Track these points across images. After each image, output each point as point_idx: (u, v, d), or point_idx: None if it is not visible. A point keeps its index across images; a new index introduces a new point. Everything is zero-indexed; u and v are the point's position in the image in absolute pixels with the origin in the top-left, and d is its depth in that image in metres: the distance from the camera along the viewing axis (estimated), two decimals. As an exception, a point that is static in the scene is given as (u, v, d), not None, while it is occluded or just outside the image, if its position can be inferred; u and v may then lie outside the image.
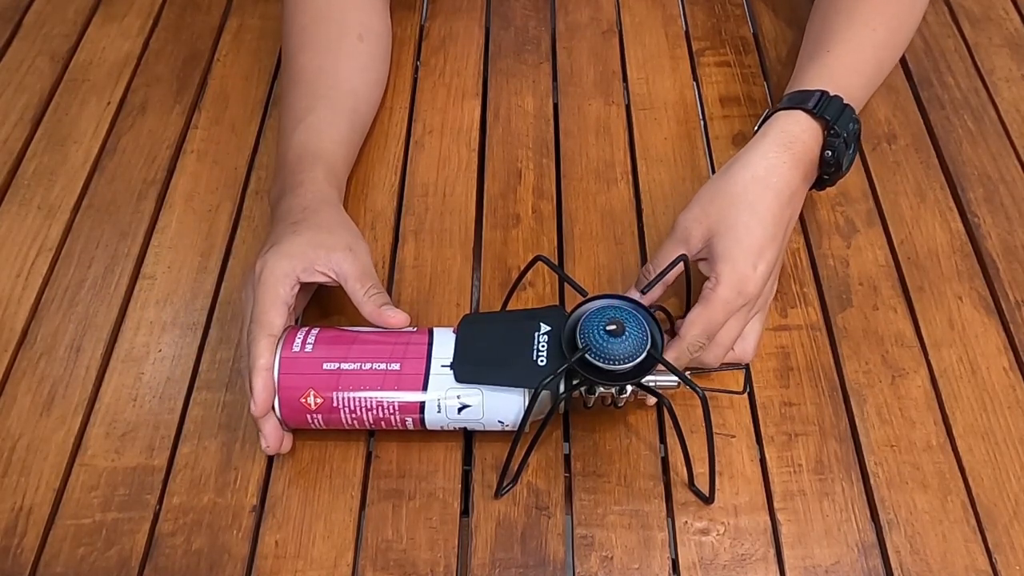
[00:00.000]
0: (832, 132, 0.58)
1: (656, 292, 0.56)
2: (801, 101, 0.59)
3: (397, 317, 0.54)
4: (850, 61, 0.63)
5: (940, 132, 0.72)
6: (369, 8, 0.70)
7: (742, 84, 0.76)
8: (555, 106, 0.75)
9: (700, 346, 0.53)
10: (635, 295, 0.56)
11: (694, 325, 0.53)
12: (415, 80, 0.77)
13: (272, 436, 0.53)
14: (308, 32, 0.68)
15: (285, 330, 0.53)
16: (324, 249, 0.55)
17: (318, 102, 0.64)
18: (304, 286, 0.56)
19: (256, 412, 0.51)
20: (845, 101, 0.59)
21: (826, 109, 0.58)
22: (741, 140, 0.72)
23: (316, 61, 0.66)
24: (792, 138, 0.57)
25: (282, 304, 0.53)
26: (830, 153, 0.58)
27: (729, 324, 0.54)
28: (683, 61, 0.78)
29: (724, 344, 0.54)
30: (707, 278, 0.54)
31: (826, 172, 0.59)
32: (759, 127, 0.60)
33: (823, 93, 0.59)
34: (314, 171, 0.60)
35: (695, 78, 0.77)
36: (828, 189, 0.63)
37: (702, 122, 0.74)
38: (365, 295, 0.54)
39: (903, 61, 0.77)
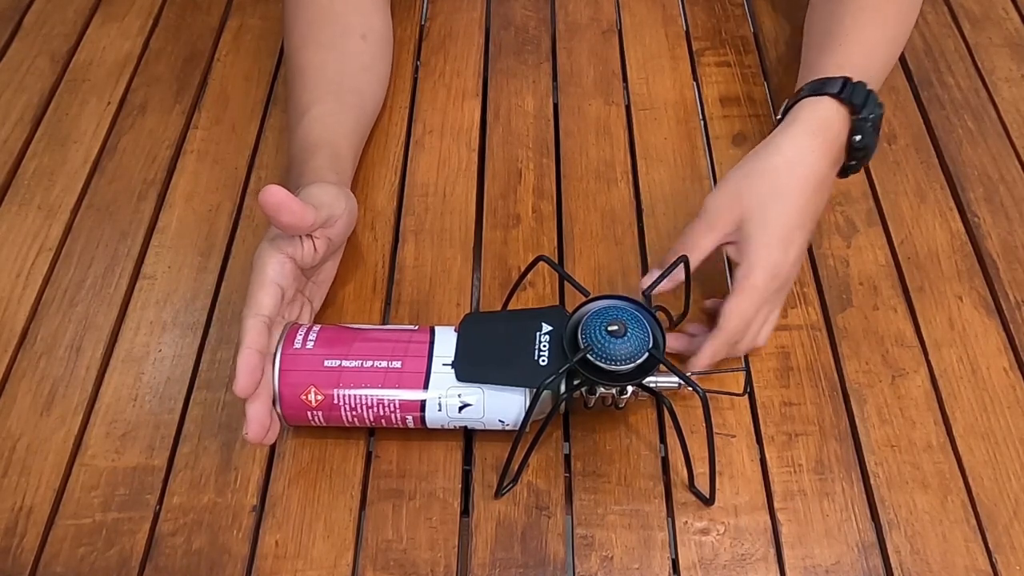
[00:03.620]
0: (860, 117, 0.58)
1: (667, 286, 0.56)
2: (825, 88, 0.59)
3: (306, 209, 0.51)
4: (863, 52, 0.63)
5: (940, 132, 0.72)
6: (370, 8, 0.70)
7: (742, 84, 0.76)
8: (555, 106, 0.75)
9: (739, 336, 0.53)
10: (654, 277, 0.55)
11: (733, 315, 0.52)
12: (415, 80, 0.77)
13: (254, 422, 0.50)
14: (311, 29, 0.68)
15: (287, 326, 0.53)
16: None
17: (322, 96, 0.64)
18: (313, 271, 0.55)
19: (236, 390, 0.49)
20: (868, 87, 0.59)
21: (852, 94, 0.58)
22: (741, 140, 0.72)
23: (319, 57, 0.66)
24: (821, 124, 0.57)
25: (270, 284, 0.52)
26: (859, 138, 0.58)
27: (762, 310, 0.54)
28: (683, 61, 0.78)
29: (754, 331, 0.54)
30: (723, 264, 0.54)
31: (854, 157, 0.59)
32: (782, 116, 0.60)
33: (846, 79, 0.59)
34: (316, 160, 0.59)
35: (695, 78, 0.76)
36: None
37: (702, 122, 0.74)
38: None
39: (903, 61, 0.77)
